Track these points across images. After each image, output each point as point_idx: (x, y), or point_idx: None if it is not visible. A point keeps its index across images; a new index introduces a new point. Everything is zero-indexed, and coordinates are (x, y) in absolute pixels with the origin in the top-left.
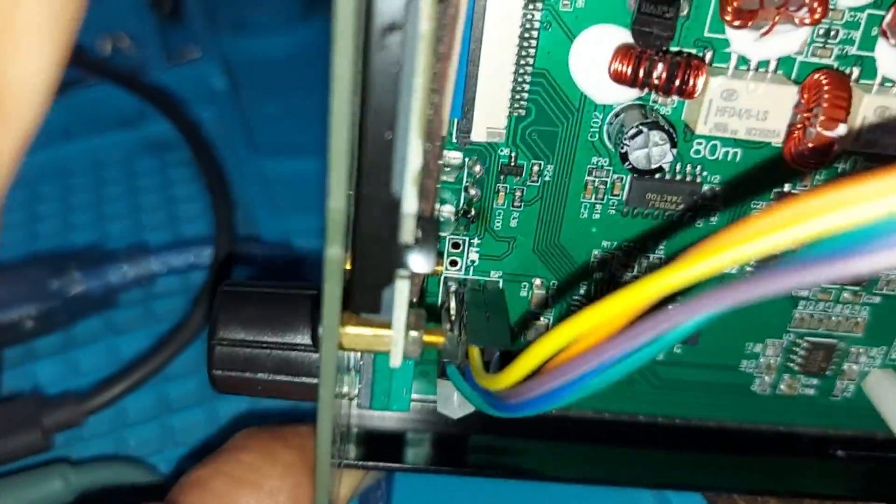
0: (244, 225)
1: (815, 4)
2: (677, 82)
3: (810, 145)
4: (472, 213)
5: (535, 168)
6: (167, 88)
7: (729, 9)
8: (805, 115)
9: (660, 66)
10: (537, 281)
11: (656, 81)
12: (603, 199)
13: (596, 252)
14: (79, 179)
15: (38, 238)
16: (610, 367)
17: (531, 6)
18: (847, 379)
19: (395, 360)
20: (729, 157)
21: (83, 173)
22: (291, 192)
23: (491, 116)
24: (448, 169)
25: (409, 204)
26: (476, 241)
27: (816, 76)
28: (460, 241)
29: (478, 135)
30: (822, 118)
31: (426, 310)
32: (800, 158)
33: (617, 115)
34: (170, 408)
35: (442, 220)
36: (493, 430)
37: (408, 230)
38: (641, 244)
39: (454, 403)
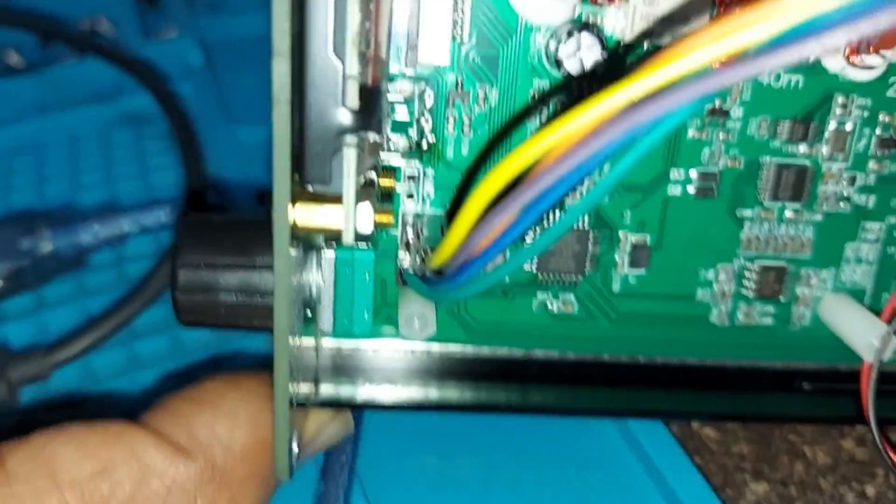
0: (219, 195)
1: None
2: None
3: None
4: (425, 144)
5: (481, 93)
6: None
7: None
8: None
9: None
10: None
11: None
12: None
13: None
14: (53, 153)
15: (11, 206)
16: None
17: None
18: (802, 305)
19: (348, 236)
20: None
21: (58, 147)
22: (265, 156)
23: (435, 39)
24: (400, 97)
25: (351, 66)
26: (430, 172)
27: None
28: (415, 173)
29: (424, 56)
30: None
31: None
32: None
33: (553, 34)
34: (139, 364)
35: (397, 151)
36: (460, 373)
37: (351, 93)
38: None
39: (415, 325)
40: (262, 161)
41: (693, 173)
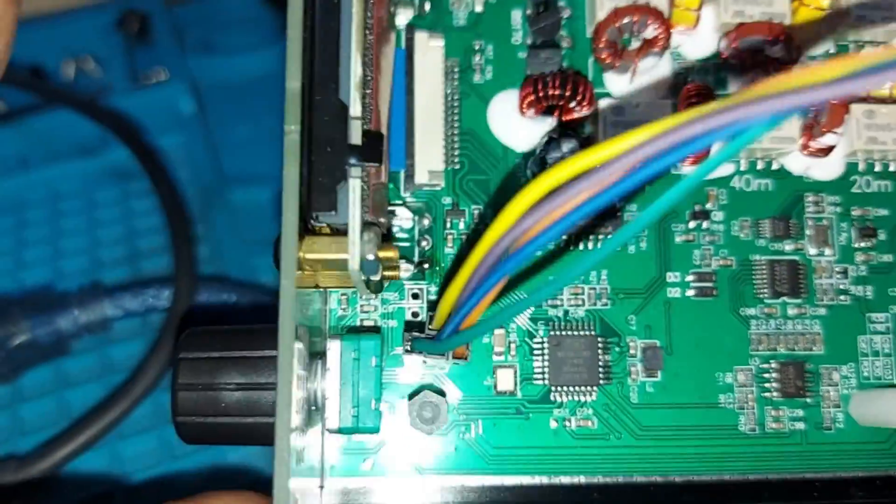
0: (210, 262)
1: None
2: (575, 91)
3: None
4: (426, 263)
5: (476, 212)
6: (131, 113)
7: (602, 47)
8: None
9: (556, 80)
10: None
11: (556, 92)
12: None
13: None
14: (34, 212)
15: None
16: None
17: (451, 81)
18: (831, 406)
19: (353, 263)
20: None
21: (39, 205)
22: (259, 225)
23: (430, 162)
24: (401, 227)
25: (355, 109)
26: (433, 288)
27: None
28: (418, 291)
29: (420, 177)
30: None
31: None
32: None
33: (533, 154)
34: (124, 468)
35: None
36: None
37: (355, 132)
38: None
39: (427, 415)
40: (257, 229)
41: (689, 276)
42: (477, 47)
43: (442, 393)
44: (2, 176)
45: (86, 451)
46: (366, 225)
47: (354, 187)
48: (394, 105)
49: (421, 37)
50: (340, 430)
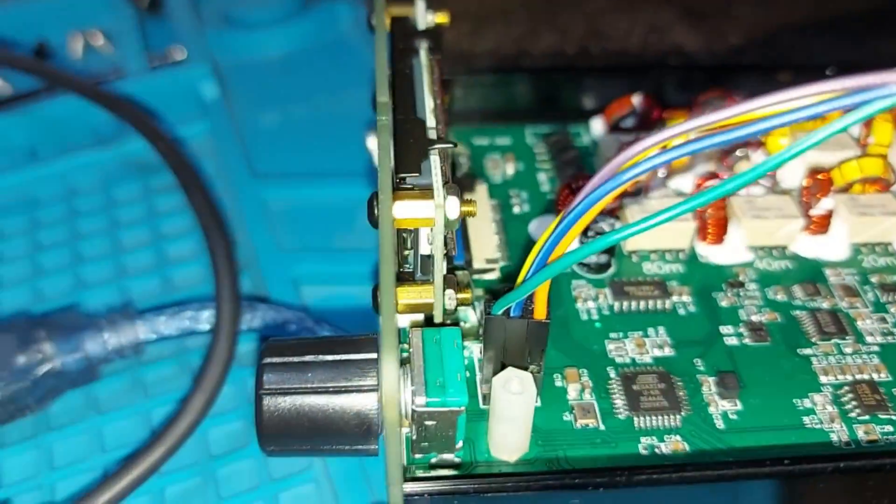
0: (244, 272)
1: None
2: None
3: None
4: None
5: None
6: (147, 98)
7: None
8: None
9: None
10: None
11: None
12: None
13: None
14: (47, 211)
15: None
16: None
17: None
18: None
19: (439, 221)
20: None
21: (52, 204)
22: (298, 229)
23: (485, 252)
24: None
25: (430, 120)
26: None
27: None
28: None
29: (478, 263)
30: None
31: None
32: None
33: None
34: None
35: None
36: None
37: (431, 133)
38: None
39: (513, 387)
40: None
41: (741, 328)
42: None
43: None
44: (11, 170)
45: (130, 494)
46: (447, 184)
47: (434, 159)
48: None
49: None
50: (428, 405)
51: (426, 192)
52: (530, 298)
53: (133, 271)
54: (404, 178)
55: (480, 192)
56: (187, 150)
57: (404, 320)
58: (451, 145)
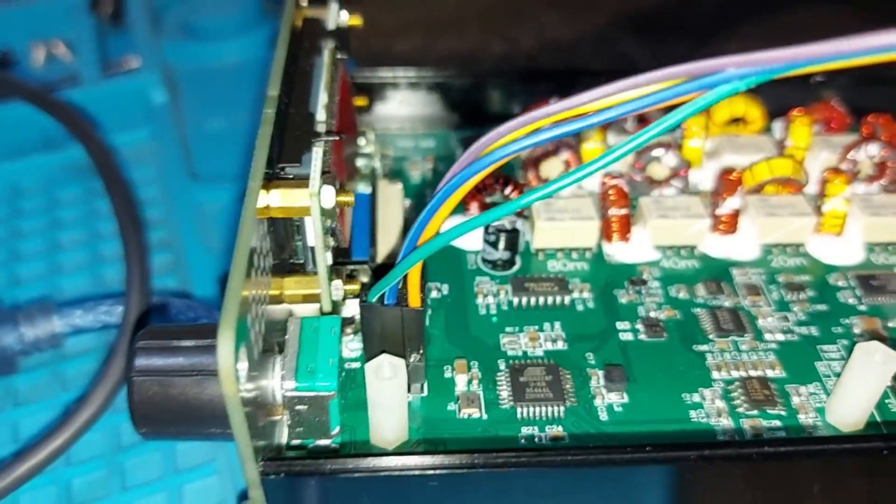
0: (174, 271)
1: None
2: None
3: None
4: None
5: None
6: (99, 103)
7: None
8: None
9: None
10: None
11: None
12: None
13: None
14: None
15: None
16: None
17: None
18: (808, 415)
19: (315, 210)
20: None
21: None
22: (228, 231)
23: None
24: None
25: (320, 114)
26: None
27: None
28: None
29: (382, 258)
30: None
31: None
32: None
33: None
34: (71, 502)
35: None
36: None
37: (320, 126)
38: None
39: (384, 372)
40: (224, 227)
41: (638, 324)
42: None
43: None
44: None
45: (29, 480)
46: (324, 174)
47: (317, 151)
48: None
49: (383, 183)
50: (297, 389)
51: (303, 181)
52: (404, 285)
53: (66, 269)
54: (284, 168)
55: (394, 191)
56: (131, 154)
57: (304, 312)
58: (335, 138)
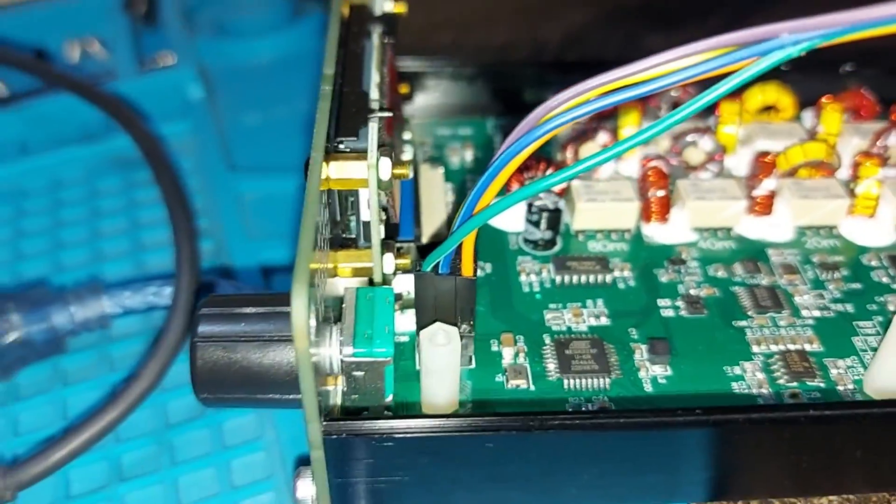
0: (214, 257)
1: None
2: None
3: None
4: None
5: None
6: (136, 98)
7: None
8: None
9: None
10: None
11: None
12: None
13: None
14: (35, 201)
15: None
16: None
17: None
18: (846, 385)
19: (372, 182)
20: None
21: (40, 193)
22: (268, 219)
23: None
24: None
25: (373, 93)
26: None
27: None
28: None
29: (427, 238)
30: None
31: None
32: None
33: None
34: (121, 477)
35: None
36: None
37: (373, 104)
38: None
39: (439, 339)
40: (265, 222)
41: (678, 301)
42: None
43: None
44: (1, 162)
45: (79, 456)
46: (381, 147)
47: (373, 126)
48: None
49: (424, 167)
50: (355, 355)
51: (361, 154)
52: (458, 256)
53: (109, 256)
54: (342, 141)
55: (436, 175)
56: (171, 146)
57: (355, 285)
58: (389, 114)
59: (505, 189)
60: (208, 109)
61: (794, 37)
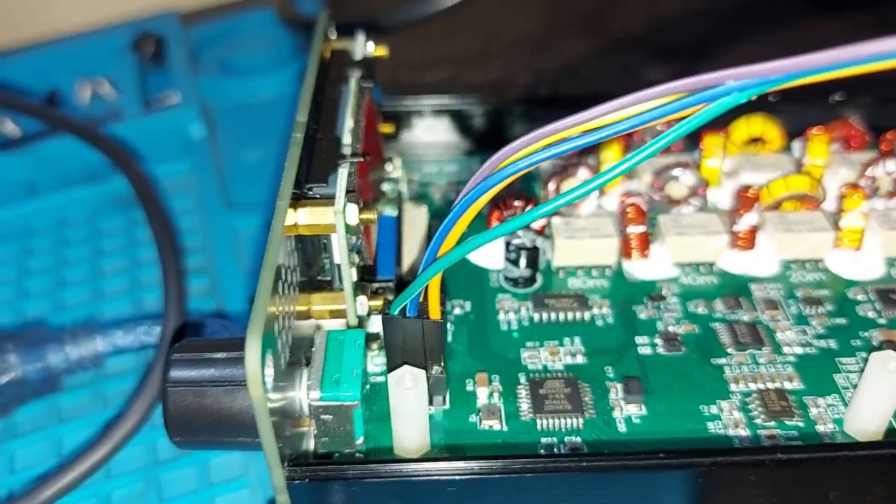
0: (210, 295)
1: None
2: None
3: None
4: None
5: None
6: (140, 138)
7: None
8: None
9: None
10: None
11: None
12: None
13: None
14: (40, 240)
15: None
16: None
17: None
18: (826, 426)
19: (339, 227)
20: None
21: (45, 233)
22: (260, 253)
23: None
24: None
25: (346, 138)
26: None
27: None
28: None
29: (408, 278)
30: None
31: None
32: None
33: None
34: None
35: None
36: None
37: (345, 149)
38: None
39: (406, 381)
40: (256, 251)
41: (656, 339)
42: None
43: None
44: (9, 202)
45: (70, 492)
46: (349, 193)
47: (342, 171)
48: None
49: (408, 205)
50: (322, 398)
51: (329, 200)
52: (426, 298)
53: (109, 295)
54: (311, 188)
55: (420, 213)
56: (171, 186)
57: (331, 328)
58: (359, 159)
59: (486, 226)
60: (209, 148)
61: (740, 83)
